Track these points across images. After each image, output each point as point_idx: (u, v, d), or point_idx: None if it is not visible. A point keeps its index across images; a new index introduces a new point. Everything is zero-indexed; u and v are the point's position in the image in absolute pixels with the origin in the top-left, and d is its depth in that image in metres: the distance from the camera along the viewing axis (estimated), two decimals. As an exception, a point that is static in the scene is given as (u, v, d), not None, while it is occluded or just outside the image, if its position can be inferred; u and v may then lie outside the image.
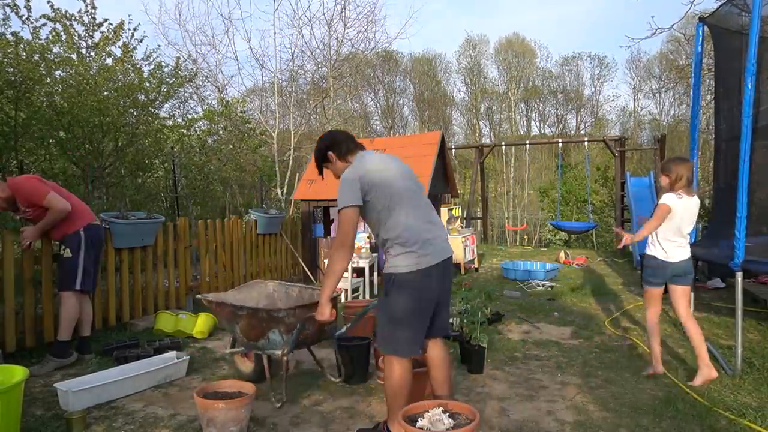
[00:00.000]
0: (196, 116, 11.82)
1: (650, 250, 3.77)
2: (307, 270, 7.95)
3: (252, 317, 3.37)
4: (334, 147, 2.87)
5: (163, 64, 9.09)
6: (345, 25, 14.98)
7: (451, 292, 2.91)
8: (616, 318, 5.54)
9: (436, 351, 2.84)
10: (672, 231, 3.67)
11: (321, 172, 2.97)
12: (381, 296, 2.75)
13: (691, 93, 5.75)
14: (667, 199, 3.64)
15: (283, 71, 14.92)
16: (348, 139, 2.90)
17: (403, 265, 2.61)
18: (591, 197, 13.29)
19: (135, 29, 9.35)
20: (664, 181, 3.71)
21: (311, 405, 3.39)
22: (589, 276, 8.27)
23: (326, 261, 6.95)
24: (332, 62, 15.33)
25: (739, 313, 3.73)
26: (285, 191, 13.18)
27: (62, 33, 8.41)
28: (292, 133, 13.99)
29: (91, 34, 8.97)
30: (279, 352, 3.33)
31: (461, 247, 8.16)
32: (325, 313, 2.71)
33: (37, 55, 7.30)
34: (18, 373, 2.80)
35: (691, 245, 4.88)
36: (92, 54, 8.93)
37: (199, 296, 3.82)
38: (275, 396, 3.38)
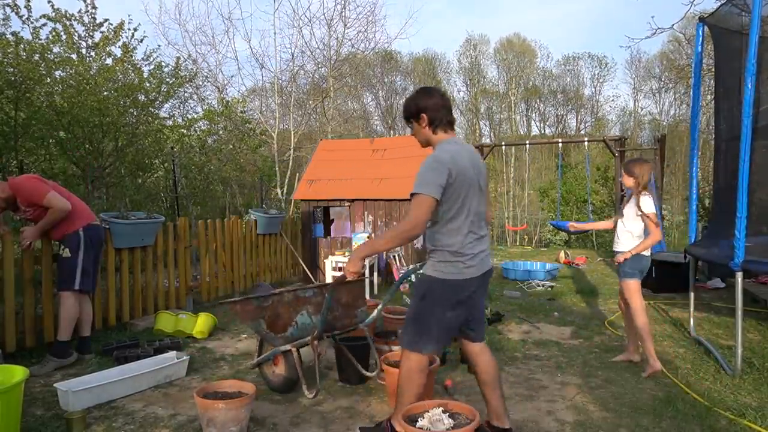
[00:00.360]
0: (196, 116, 11.82)
1: (629, 246, 3.91)
2: (307, 270, 7.95)
3: (279, 304, 3.30)
4: (431, 111, 2.65)
5: (163, 64, 9.09)
6: (345, 25, 15.00)
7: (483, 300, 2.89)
8: (616, 318, 5.54)
9: (485, 357, 2.82)
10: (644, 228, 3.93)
11: (408, 122, 2.76)
12: (414, 296, 2.71)
13: (691, 93, 5.75)
14: (652, 206, 3.84)
15: (283, 71, 14.93)
16: (447, 112, 2.67)
17: (447, 272, 2.56)
18: (591, 197, 13.26)
19: (135, 29, 9.34)
20: (630, 182, 3.94)
21: (311, 405, 3.39)
22: (589, 276, 8.27)
23: (326, 261, 6.99)
24: (332, 62, 15.33)
25: (739, 313, 3.73)
26: (285, 191, 13.19)
27: (62, 33, 8.41)
28: (292, 133, 13.99)
29: (91, 34, 8.96)
30: (309, 339, 3.24)
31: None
32: (357, 264, 2.58)
33: (37, 55, 7.29)
34: (18, 373, 2.81)
35: (691, 245, 4.91)
36: (92, 54, 8.92)
37: (222, 302, 3.66)
38: (308, 388, 3.25)
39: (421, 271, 2.71)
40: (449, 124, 2.68)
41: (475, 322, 2.79)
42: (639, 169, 3.89)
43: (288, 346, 3.36)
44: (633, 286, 3.91)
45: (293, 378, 3.47)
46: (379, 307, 3.35)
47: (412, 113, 2.69)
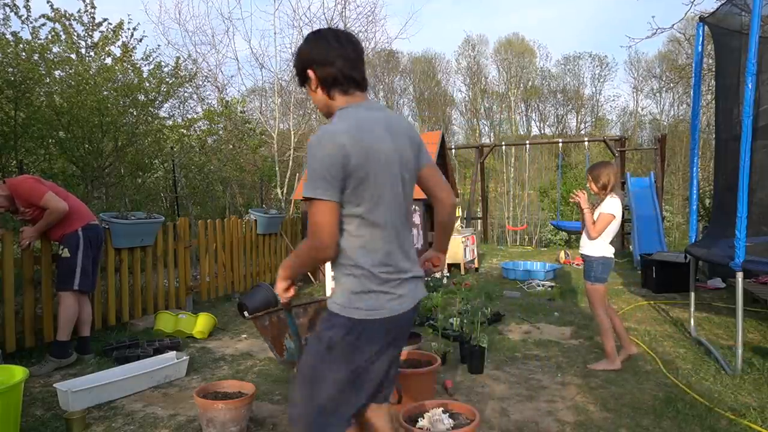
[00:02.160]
0: (196, 116, 11.81)
1: (599, 251, 3.93)
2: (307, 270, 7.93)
3: (277, 325, 2.97)
4: (320, 65, 1.74)
5: (162, 63, 9.09)
6: (345, 25, 14.98)
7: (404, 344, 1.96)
8: (616, 318, 5.54)
9: (381, 422, 1.96)
10: (613, 232, 3.95)
11: (302, 84, 1.83)
12: (311, 340, 1.82)
13: (691, 93, 5.76)
14: (614, 208, 3.91)
15: (283, 71, 14.92)
16: (348, 64, 1.74)
17: (364, 308, 1.68)
18: (591, 197, 13.34)
19: (134, 29, 9.34)
20: (596, 188, 4.00)
21: (311, 405, 3.38)
22: (589, 276, 8.27)
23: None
24: (332, 62, 15.31)
25: (740, 313, 3.74)
26: (285, 191, 13.18)
27: (62, 33, 8.40)
28: (292, 133, 13.99)
29: (90, 33, 8.95)
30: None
31: (461, 247, 8.15)
32: (279, 286, 1.82)
33: (37, 55, 7.29)
34: (18, 373, 2.81)
35: (692, 245, 4.91)
36: (92, 54, 8.91)
37: (251, 317, 3.16)
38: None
39: (328, 303, 1.77)
40: (354, 83, 1.76)
41: (389, 381, 1.92)
42: (606, 173, 3.95)
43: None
44: (600, 291, 3.94)
45: None
46: (294, 339, 2.44)
47: (298, 73, 1.81)
